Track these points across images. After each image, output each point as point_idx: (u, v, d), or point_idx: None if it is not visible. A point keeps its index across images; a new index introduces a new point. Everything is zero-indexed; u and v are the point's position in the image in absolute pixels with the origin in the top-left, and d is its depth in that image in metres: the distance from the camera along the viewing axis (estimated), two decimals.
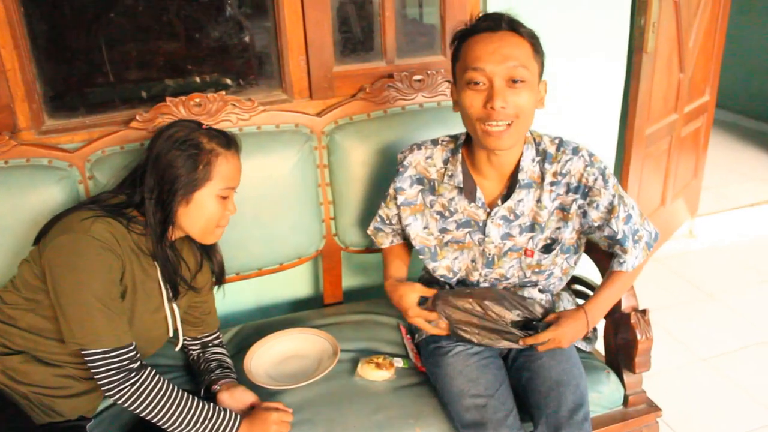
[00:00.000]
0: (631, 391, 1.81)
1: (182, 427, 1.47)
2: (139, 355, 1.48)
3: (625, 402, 1.81)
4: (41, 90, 1.92)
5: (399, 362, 1.81)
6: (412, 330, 1.91)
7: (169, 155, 1.49)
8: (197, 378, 1.75)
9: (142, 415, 1.45)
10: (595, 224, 1.64)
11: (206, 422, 1.48)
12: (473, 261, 1.71)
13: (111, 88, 2.03)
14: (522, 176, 1.60)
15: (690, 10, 2.94)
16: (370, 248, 2.11)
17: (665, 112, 3.02)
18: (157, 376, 1.48)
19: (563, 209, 1.63)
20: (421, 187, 1.72)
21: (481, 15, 1.56)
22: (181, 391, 1.50)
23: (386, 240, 1.88)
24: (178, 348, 1.73)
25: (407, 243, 1.87)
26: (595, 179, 1.59)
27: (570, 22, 2.27)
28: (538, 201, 1.63)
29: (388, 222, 1.82)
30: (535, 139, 1.63)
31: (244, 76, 2.14)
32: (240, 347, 1.92)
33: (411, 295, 1.68)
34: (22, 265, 1.52)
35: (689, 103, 3.24)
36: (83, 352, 1.43)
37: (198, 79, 2.10)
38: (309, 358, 1.82)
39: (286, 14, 2.00)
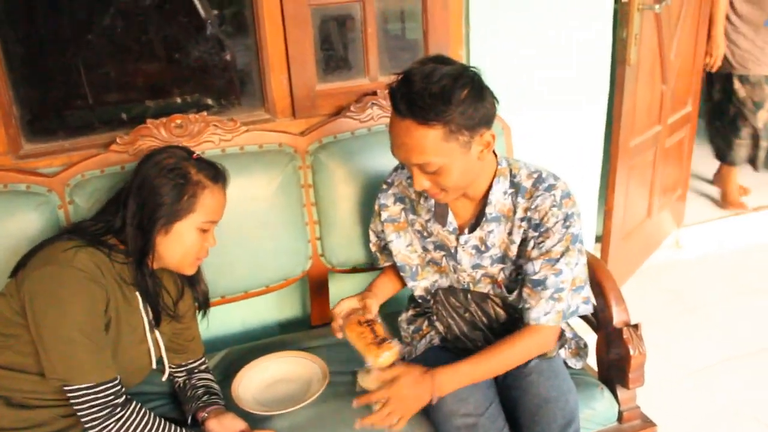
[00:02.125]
0: (626, 407, 1.79)
1: None
2: (123, 389, 1.44)
3: (620, 418, 1.79)
4: (18, 113, 1.89)
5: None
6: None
7: (155, 181, 1.46)
8: (184, 406, 1.71)
9: None
10: (526, 258, 1.57)
11: None
12: (451, 287, 1.70)
13: (90, 110, 2.01)
14: (489, 210, 1.57)
15: (671, 22, 2.95)
16: (358, 268, 2.08)
17: (649, 124, 3.02)
18: (143, 410, 1.44)
19: (524, 244, 1.58)
20: (403, 205, 1.71)
21: (390, 85, 1.41)
22: (166, 423, 1.46)
23: (388, 260, 1.84)
24: (165, 378, 1.69)
25: None
26: (556, 222, 1.52)
27: (552, 35, 2.27)
28: (510, 234, 1.59)
29: (378, 235, 1.81)
30: (511, 170, 1.58)
31: (226, 95, 2.13)
32: (227, 372, 1.88)
33: (344, 302, 1.66)
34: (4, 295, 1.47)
35: (672, 114, 3.25)
36: (65, 388, 1.38)
37: (179, 100, 2.08)
38: (298, 382, 1.79)
39: (268, 32, 1.98)
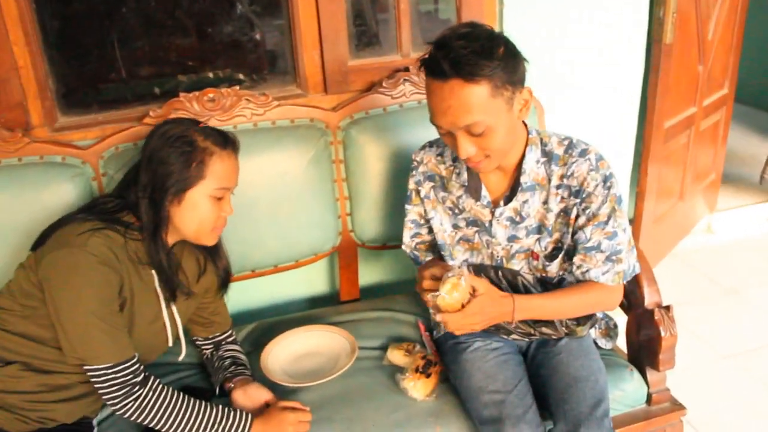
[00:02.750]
0: (655, 389, 1.77)
1: (190, 429, 1.44)
2: (142, 367, 1.45)
3: (649, 400, 1.78)
4: (54, 87, 1.91)
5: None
6: (432, 327, 1.88)
7: (162, 152, 1.46)
8: (212, 377, 1.73)
9: (149, 425, 1.43)
10: (575, 228, 1.57)
11: (215, 426, 1.45)
12: (481, 264, 1.69)
13: (124, 84, 2.02)
14: (524, 179, 1.56)
15: (709, 1, 2.89)
16: (387, 245, 2.09)
17: (684, 106, 2.97)
18: (161, 387, 1.45)
19: (566, 213, 1.58)
20: (432, 183, 1.70)
21: (424, 56, 1.41)
22: (186, 397, 1.47)
23: (427, 256, 1.81)
24: (181, 358, 1.69)
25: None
26: (596, 185, 1.52)
27: (587, 14, 2.24)
28: (545, 203, 1.58)
29: (422, 222, 1.77)
30: (542, 140, 1.58)
31: (258, 71, 2.12)
32: (255, 345, 1.90)
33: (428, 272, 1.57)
34: (18, 270, 1.49)
35: (708, 96, 3.19)
36: (85, 368, 1.40)
37: (211, 75, 2.08)
38: (326, 356, 1.80)
39: (300, 8, 1.98)
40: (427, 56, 1.40)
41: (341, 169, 2.02)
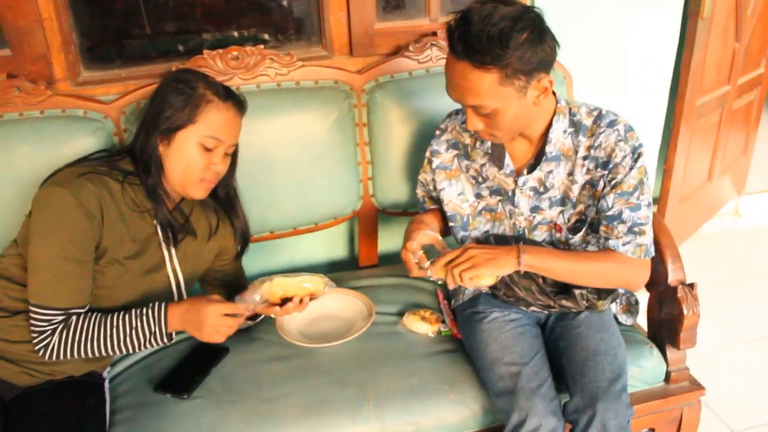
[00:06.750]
0: (674, 367, 1.75)
1: (116, 347, 1.43)
2: (68, 319, 1.43)
3: (667, 378, 1.75)
4: (78, 40, 1.90)
5: (445, 326, 1.78)
6: (450, 295, 1.86)
7: (164, 91, 1.49)
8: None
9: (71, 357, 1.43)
10: (599, 198, 1.53)
11: (134, 326, 1.43)
12: (503, 234, 1.67)
13: (148, 40, 2.00)
14: (550, 148, 1.53)
15: None
16: (408, 211, 2.06)
17: (717, 83, 2.89)
18: (70, 327, 1.42)
19: (592, 185, 1.54)
20: (456, 151, 1.68)
21: (449, 23, 1.37)
22: (96, 319, 1.43)
23: (434, 205, 1.82)
24: None
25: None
26: (624, 156, 1.48)
27: None
28: (570, 174, 1.55)
29: (426, 186, 1.78)
30: (570, 110, 1.54)
31: (283, 31, 2.09)
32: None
33: (415, 239, 1.56)
34: (26, 218, 1.49)
35: (743, 74, 3.11)
36: (30, 303, 1.40)
37: (236, 34, 2.06)
38: (343, 319, 1.80)
39: None
40: (448, 26, 1.37)
41: (364, 132, 2.00)
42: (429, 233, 1.57)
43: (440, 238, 1.59)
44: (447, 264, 1.47)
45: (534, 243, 1.63)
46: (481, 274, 1.44)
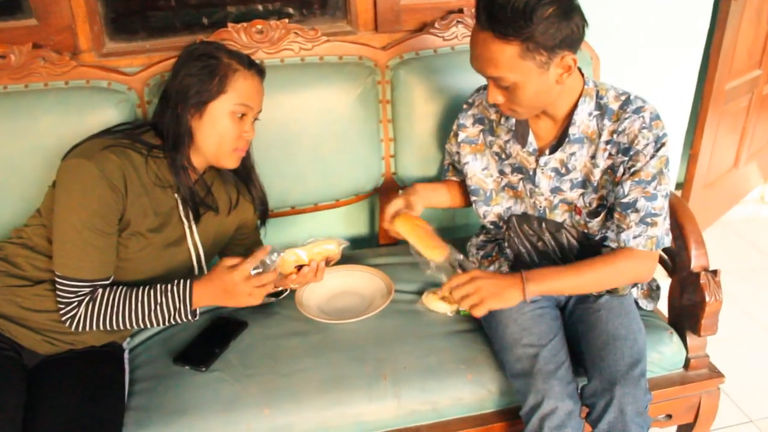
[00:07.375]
0: (694, 354, 1.73)
1: (141, 321, 1.45)
2: (95, 291, 1.44)
3: (687, 365, 1.74)
4: (103, 12, 1.89)
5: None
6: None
7: (188, 65, 1.47)
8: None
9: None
10: (616, 183, 1.51)
11: (159, 302, 1.44)
12: (525, 213, 1.66)
13: (172, 12, 2.00)
14: (573, 130, 1.51)
15: None
16: None
17: (748, 67, 2.84)
18: (96, 300, 1.43)
19: (613, 170, 1.52)
20: (482, 126, 1.68)
21: None
22: (121, 292, 1.45)
23: (455, 177, 1.83)
24: None
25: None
26: (646, 144, 1.45)
27: None
28: (593, 157, 1.53)
29: (451, 156, 1.79)
30: (598, 92, 1.51)
31: (308, 6, 2.08)
32: None
33: (393, 202, 1.62)
34: (49, 188, 1.50)
35: None
36: (56, 274, 1.41)
37: (260, 8, 2.04)
38: (362, 296, 1.80)
39: None
40: None
41: (387, 109, 1.99)
42: (398, 201, 1.62)
43: (412, 200, 1.64)
44: (454, 287, 1.51)
45: (555, 224, 1.62)
46: (488, 307, 1.49)
